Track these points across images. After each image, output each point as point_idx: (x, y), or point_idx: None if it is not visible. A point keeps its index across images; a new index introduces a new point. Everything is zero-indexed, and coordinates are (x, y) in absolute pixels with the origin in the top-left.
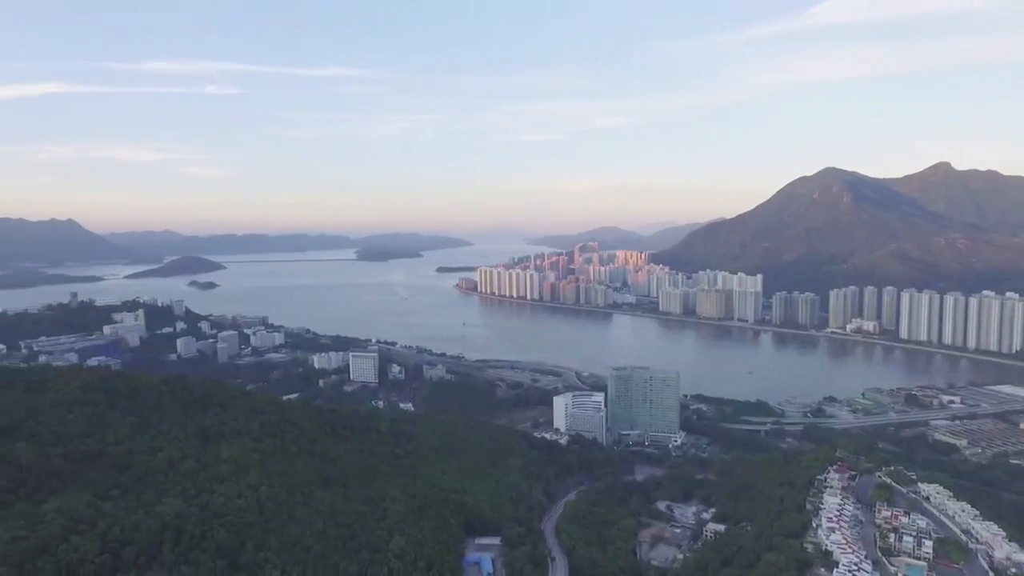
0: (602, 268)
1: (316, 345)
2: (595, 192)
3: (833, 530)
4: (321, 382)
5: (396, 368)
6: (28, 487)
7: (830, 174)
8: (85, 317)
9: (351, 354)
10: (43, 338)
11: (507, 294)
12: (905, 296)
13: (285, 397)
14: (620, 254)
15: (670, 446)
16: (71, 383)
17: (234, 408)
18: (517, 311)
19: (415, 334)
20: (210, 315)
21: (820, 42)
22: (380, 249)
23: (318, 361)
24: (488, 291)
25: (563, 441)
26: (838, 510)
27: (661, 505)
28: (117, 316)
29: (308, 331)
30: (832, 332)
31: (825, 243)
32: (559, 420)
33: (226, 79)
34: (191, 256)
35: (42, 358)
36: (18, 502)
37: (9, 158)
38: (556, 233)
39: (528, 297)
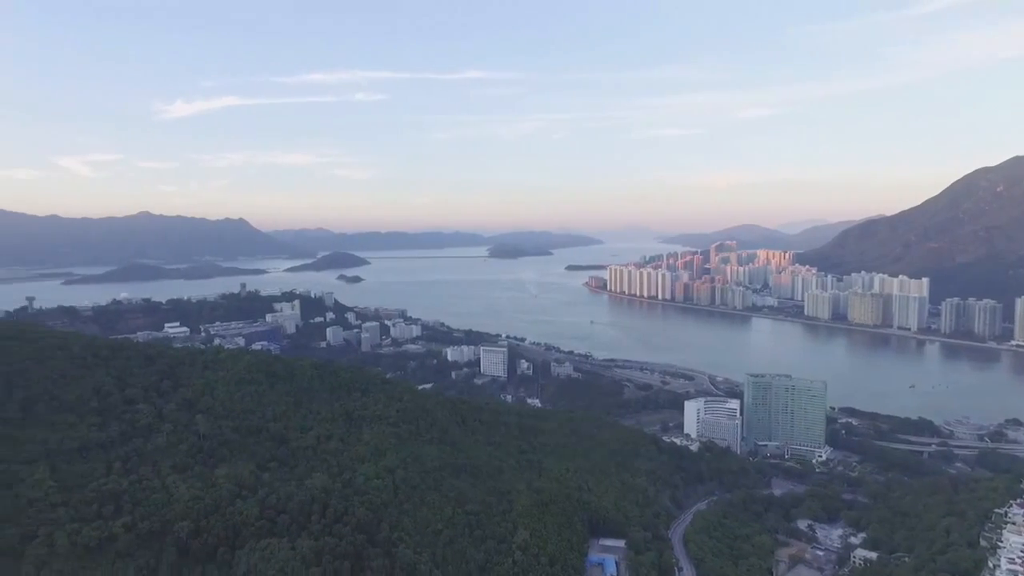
0: (740, 268)
1: (450, 338)
2: (735, 188)
3: (1016, 573)
4: (453, 374)
5: (524, 364)
6: (204, 453)
7: (1021, 164)
8: (251, 305)
9: (482, 348)
10: (218, 323)
11: (637, 293)
12: None
13: (420, 387)
14: (761, 253)
15: (814, 461)
16: (239, 364)
17: (374, 394)
18: (647, 311)
19: (544, 331)
20: (355, 307)
21: (1007, 12)
22: (511, 247)
23: (451, 354)
24: (618, 290)
25: (694, 447)
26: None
27: (802, 524)
28: (277, 306)
29: (443, 325)
30: (1017, 345)
31: (1011, 243)
32: (690, 425)
33: (373, 86)
34: (340, 252)
35: (216, 340)
36: (196, 466)
37: (194, 165)
38: (691, 231)
39: (659, 297)
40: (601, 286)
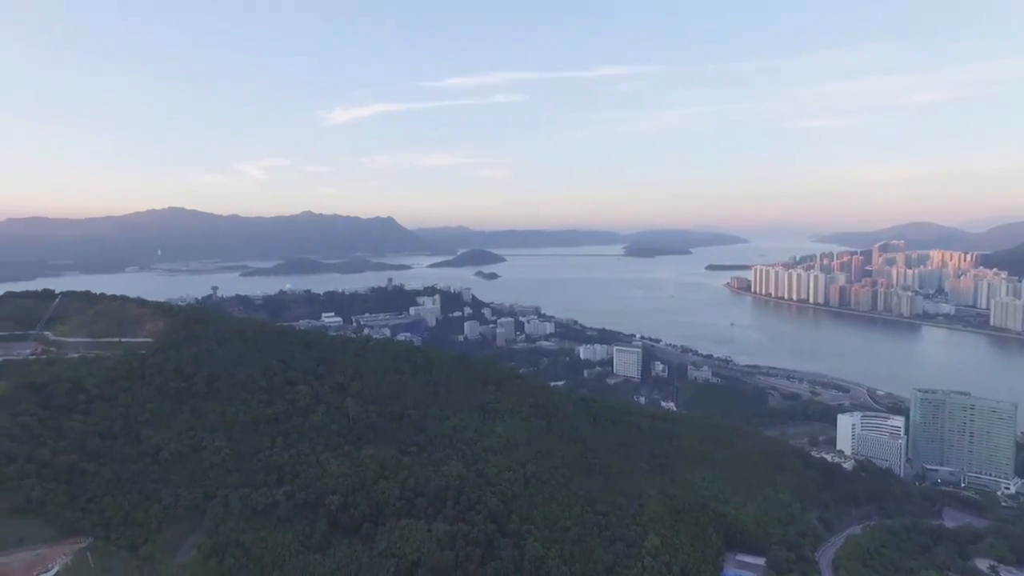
0: (909, 271)
1: (582, 336)
2: (903, 182)
3: None
4: (586, 372)
5: (659, 366)
6: (352, 435)
7: None
8: (396, 299)
9: (615, 348)
10: (367, 314)
11: (785, 296)
12: None
13: (552, 383)
14: (935, 255)
15: (999, 493)
16: (385, 353)
17: (508, 388)
18: (796, 315)
19: (680, 332)
20: (491, 303)
21: None
22: (648, 245)
23: (584, 352)
24: (763, 292)
25: (847, 465)
26: None
27: (982, 563)
28: (420, 300)
29: (576, 322)
30: None
31: None
32: (843, 441)
33: (512, 87)
34: (478, 249)
35: (365, 330)
36: (345, 445)
37: (350, 168)
38: (849, 230)
39: (810, 300)
40: (744, 287)
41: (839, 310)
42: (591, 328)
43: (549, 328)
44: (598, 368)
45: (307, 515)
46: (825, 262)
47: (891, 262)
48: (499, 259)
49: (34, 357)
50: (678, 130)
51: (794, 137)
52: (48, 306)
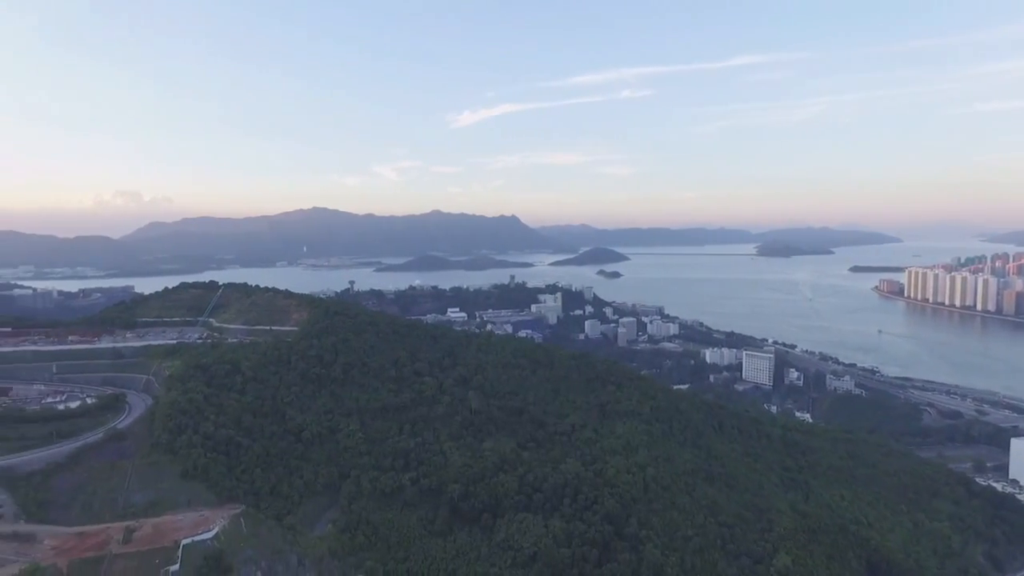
0: None
1: (708, 339)
2: None
3: None
4: (712, 377)
5: (794, 373)
6: (473, 427)
7: None
8: (518, 296)
9: (744, 352)
10: (490, 310)
11: (946, 302)
12: None
13: (675, 387)
14: None
15: None
16: (507, 349)
17: (628, 389)
18: (960, 324)
19: (818, 339)
20: (613, 302)
21: None
22: (783, 244)
23: (710, 355)
24: (919, 297)
25: (1023, 497)
26: None
27: None
28: (541, 297)
29: (701, 325)
30: None
31: None
32: (1018, 469)
33: (640, 82)
34: (601, 248)
35: (488, 326)
36: (467, 436)
37: (476, 167)
38: None
39: (978, 308)
40: (896, 291)
41: (1015, 319)
42: (718, 331)
43: (673, 329)
44: (725, 373)
45: (430, 501)
46: (998, 264)
47: None
48: (621, 258)
49: (201, 341)
50: (820, 120)
51: (960, 123)
52: (213, 296)
